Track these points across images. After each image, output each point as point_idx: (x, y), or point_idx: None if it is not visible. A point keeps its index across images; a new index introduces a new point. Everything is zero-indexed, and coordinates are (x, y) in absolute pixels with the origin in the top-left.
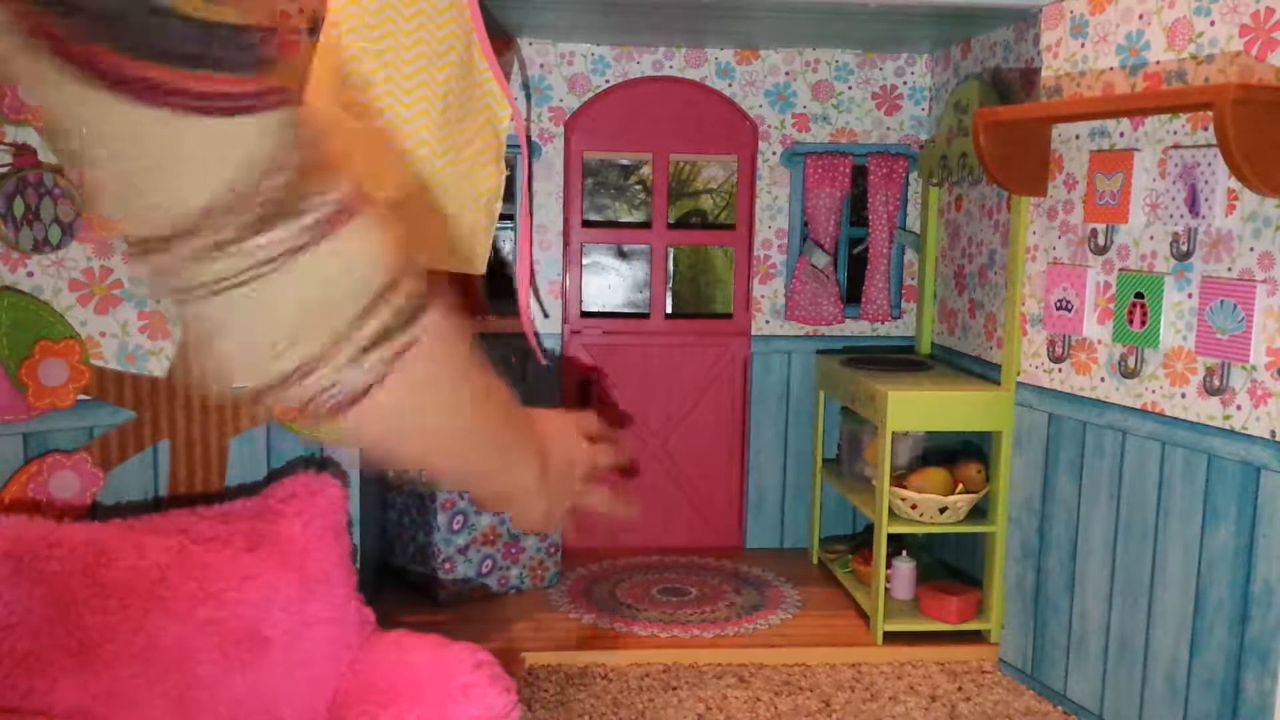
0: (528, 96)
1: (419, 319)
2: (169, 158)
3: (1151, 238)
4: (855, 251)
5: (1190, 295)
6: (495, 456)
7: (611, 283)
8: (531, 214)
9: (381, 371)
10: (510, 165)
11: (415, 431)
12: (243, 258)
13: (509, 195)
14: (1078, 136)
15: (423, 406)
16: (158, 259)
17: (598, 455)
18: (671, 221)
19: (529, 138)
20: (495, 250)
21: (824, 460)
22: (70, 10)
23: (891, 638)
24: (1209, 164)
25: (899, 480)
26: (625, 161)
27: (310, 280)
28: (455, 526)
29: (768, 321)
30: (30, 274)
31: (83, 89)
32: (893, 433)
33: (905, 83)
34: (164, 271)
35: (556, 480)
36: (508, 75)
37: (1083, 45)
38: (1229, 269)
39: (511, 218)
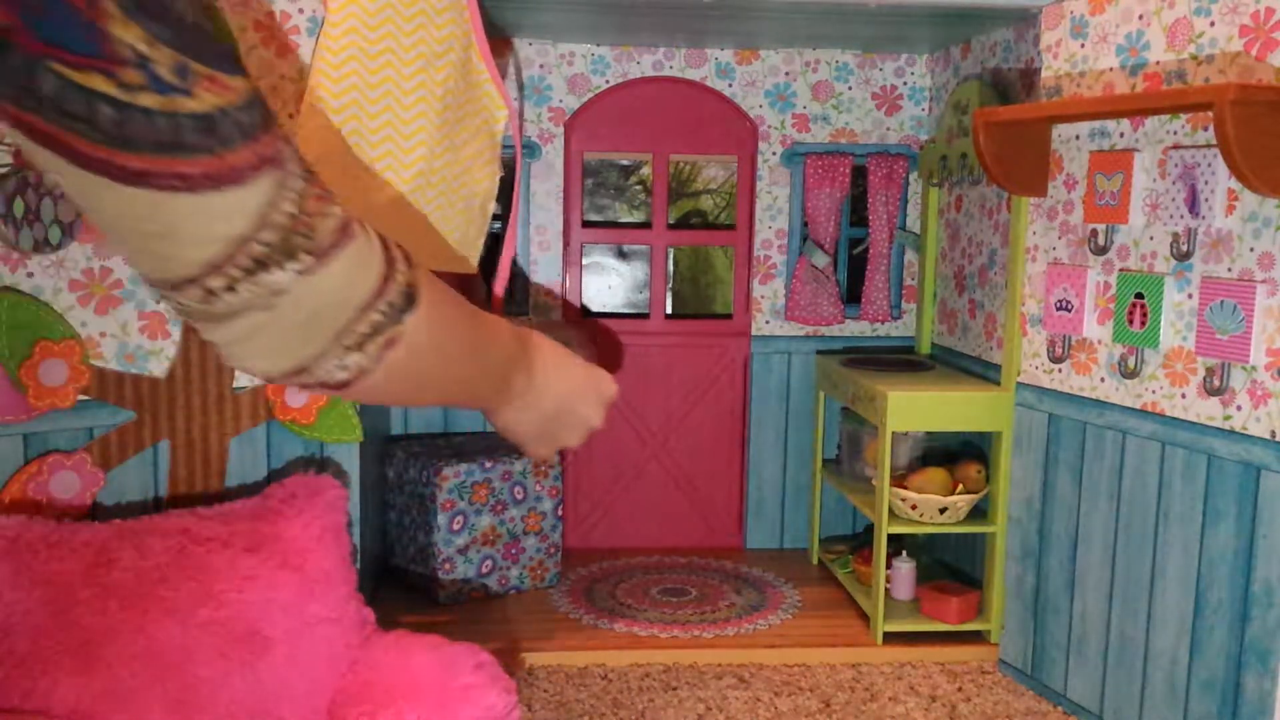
0: (521, 97)
1: (410, 310)
2: (166, 228)
3: (1151, 238)
4: (855, 252)
5: (1190, 295)
6: (483, 383)
7: (611, 283)
8: (519, 214)
9: (374, 360)
10: (507, 166)
11: (413, 390)
12: (254, 290)
13: (504, 195)
14: (1078, 137)
15: (413, 377)
16: (173, 297)
17: (601, 419)
18: (671, 222)
19: (524, 138)
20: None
21: (824, 460)
22: (40, 103)
23: (891, 638)
24: (1209, 164)
25: (899, 480)
26: (625, 162)
27: (313, 297)
28: (455, 526)
29: (768, 322)
30: (30, 274)
31: (73, 171)
32: (893, 433)
33: (905, 83)
34: (180, 308)
35: (554, 418)
36: (504, 76)
37: (1083, 46)
38: (1229, 269)
39: (501, 217)
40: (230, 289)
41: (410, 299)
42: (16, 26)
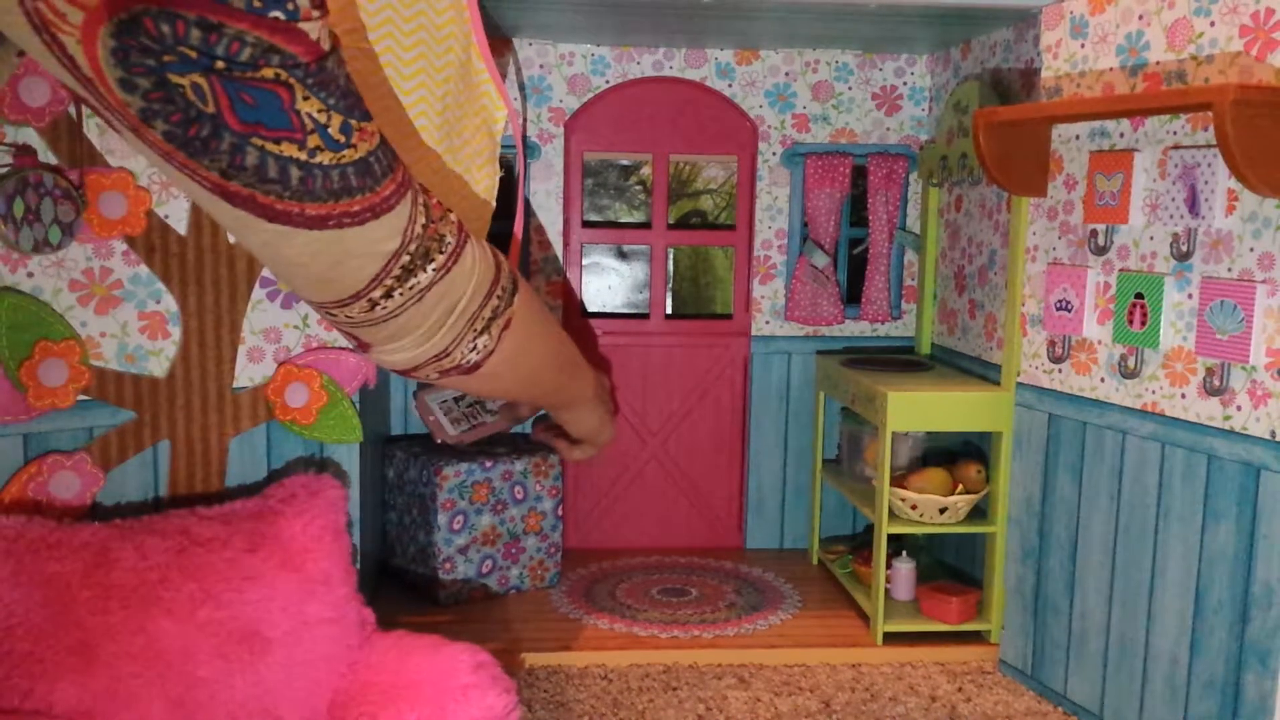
0: (523, 98)
1: (516, 293)
2: (339, 257)
3: (1151, 238)
4: (855, 252)
5: (1190, 296)
6: (566, 375)
7: (611, 283)
8: (526, 212)
9: (495, 340)
10: (507, 166)
11: (518, 375)
12: (405, 294)
13: (504, 195)
14: (1078, 137)
15: (523, 356)
16: (340, 312)
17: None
18: (671, 222)
19: (525, 138)
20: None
21: (824, 460)
22: (242, 172)
23: (891, 638)
24: (1209, 164)
25: (899, 480)
26: (625, 162)
27: (451, 290)
28: (455, 526)
29: (768, 322)
30: (30, 274)
31: (262, 223)
32: (893, 433)
33: (905, 83)
34: (347, 319)
35: (603, 394)
36: (504, 76)
37: (1083, 46)
38: (1229, 269)
39: (500, 217)
40: (388, 295)
41: (515, 283)
42: (226, 111)
